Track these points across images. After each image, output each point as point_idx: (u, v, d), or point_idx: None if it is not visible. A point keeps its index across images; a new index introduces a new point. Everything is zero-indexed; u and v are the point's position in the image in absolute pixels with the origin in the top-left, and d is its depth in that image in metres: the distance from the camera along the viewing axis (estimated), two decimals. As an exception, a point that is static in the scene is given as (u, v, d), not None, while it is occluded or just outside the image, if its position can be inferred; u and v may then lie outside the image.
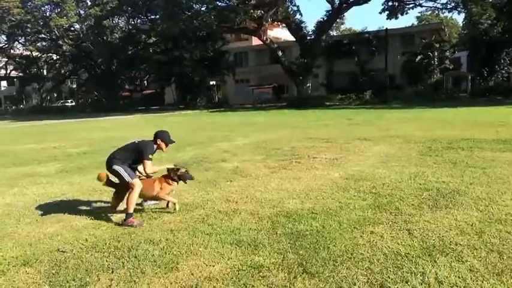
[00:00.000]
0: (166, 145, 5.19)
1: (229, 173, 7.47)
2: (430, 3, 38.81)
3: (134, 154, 4.99)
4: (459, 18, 71.51)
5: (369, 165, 7.59)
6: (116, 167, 4.93)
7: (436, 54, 39.60)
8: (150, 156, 4.94)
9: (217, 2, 34.95)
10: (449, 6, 36.77)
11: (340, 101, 35.83)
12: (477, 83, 40.19)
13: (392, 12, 34.59)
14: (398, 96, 34.67)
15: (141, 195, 5.04)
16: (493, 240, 3.77)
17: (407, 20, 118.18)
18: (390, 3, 34.68)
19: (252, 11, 32.36)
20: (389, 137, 11.59)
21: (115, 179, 5.12)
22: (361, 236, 4.04)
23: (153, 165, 5.09)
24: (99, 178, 5.19)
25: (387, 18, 35.63)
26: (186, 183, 5.31)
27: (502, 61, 40.26)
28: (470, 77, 41.38)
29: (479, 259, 3.39)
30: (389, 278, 3.14)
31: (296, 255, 3.66)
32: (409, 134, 11.87)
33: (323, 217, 4.64)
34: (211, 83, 47.12)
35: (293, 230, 4.29)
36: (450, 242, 3.78)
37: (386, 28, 36.87)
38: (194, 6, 34.74)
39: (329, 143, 10.97)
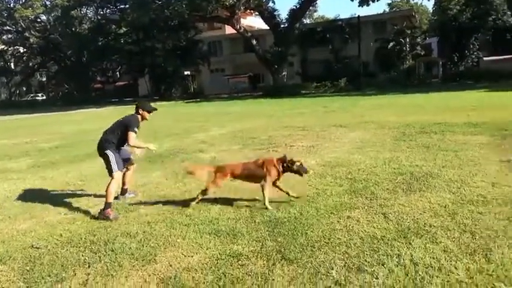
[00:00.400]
0: (149, 112, 5.25)
1: (206, 163, 7.41)
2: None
3: (121, 129, 5.03)
4: (429, 4, 72.68)
5: (344, 152, 7.68)
6: (109, 153, 4.95)
7: (407, 40, 40.18)
8: (136, 129, 4.99)
9: (189, -9, 34.37)
10: (419, -7, 37.32)
11: (315, 89, 36.01)
12: (448, 68, 41.09)
13: (364, -1, 34.81)
14: (372, 83, 35.09)
15: (248, 176, 4.85)
16: (466, 221, 3.88)
17: (379, 7, 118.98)
18: (361, -10, 34.88)
19: (223, -1, 32.03)
20: (364, 123, 11.74)
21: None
22: (338, 221, 4.09)
23: (138, 140, 5.12)
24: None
25: (359, 5, 35.79)
26: (302, 176, 4.94)
27: (472, 46, 41.22)
28: (441, 63, 42.26)
29: (453, 240, 3.49)
30: (366, 261, 3.20)
31: (274, 242, 3.68)
32: (383, 120, 12.06)
33: (301, 204, 4.67)
34: (185, 73, 46.48)
35: (271, 217, 4.31)
36: (424, 224, 3.87)
37: (359, 15, 37.11)
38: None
39: (305, 131, 11.03)
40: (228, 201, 4.96)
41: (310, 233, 3.83)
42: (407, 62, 40.34)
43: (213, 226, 4.19)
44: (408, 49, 40.31)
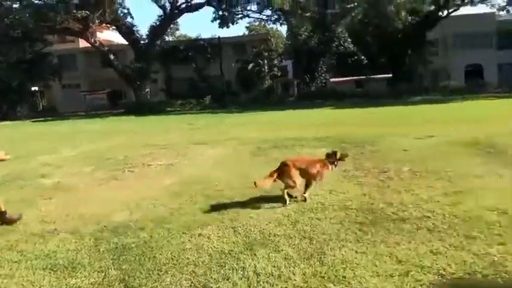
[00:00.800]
0: None
1: (49, 189, 6.67)
2: (257, 15, 41.98)
3: None
4: (283, 29, 79.50)
5: (204, 169, 7.72)
6: None
7: (265, 62, 43.07)
8: None
9: (34, -1, 31.31)
10: (273, 18, 40.46)
11: (181, 107, 35.97)
12: (302, 88, 45.18)
13: (224, 21, 36.34)
14: (235, 101, 36.57)
15: (302, 173, 5.00)
16: (305, 227, 4.19)
17: (240, 29, 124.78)
18: (220, 13, 36.41)
19: (74, 10, 29.87)
20: (226, 140, 12.03)
21: None
22: (189, 240, 4.03)
23: None
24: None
25: (219, 27, 37.32)
26: (344, 160, 5.51)
27: (320, 69, 46.15)
28: (296, 83, 46.28)
29: (293, 247, 3.71)
30: (212, 278, 3.19)
31: (119, 270, 3.44)
32: (244, 137, 12.53)
33: (152, 226, 4.49)
34: (32, 88, 41.71)
35: (118, 244, 4.03)
36: (269, 234, 4.05)
37: (219, 36, 38.60)
38: (4, 2, 30.29)
39: (166, 149, 10.81)
40: (70, 231, 4.49)
41: (159, 256, 3.68)
42: (266, 82, 43.17)
43: (50, 260, 3.73)
44: (267, 70, 43.20)
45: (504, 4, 42.05)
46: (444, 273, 3.05)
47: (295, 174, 4.94)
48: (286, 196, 4.94)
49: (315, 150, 9.22)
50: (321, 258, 3.43)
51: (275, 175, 4.99)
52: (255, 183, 4.88)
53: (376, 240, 3.76)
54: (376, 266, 3.23)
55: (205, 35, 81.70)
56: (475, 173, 6.10)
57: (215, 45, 39.22)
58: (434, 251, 3.45)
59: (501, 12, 44.34)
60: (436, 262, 3.23)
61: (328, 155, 5.35)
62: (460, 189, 5.29)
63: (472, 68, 44.14)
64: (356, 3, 39.33)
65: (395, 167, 6.87)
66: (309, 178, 5.11)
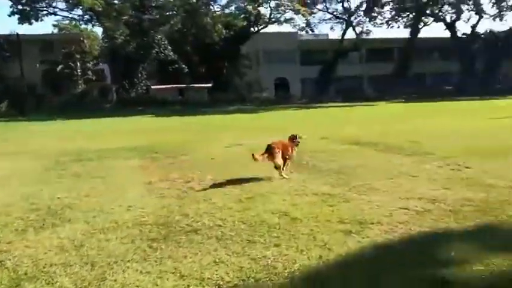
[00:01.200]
0: None
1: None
2: (66, 13, 38.24)
3: None
4: (100, 31, 73.27)
5: (-21, 190, 6.46)
6: None
7: (78, 64, 39.69)
8: None
9: None
10: (85, 18, 37.61)
11: (-34, 114, 30.07)
12: (121, 94, 43.13)
13: (24, 16, 31.95)
14: (41, 107, 32.62)
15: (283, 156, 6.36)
16: (91, 252, 3.78)
17: (46, 26, 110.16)
18: (20, 7, 31.86)
19: None
20: (19, 153, 10.62)
21: None
22: None
23: None
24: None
25: (19, 23, 32.68)
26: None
27: (140, 75, 44.90)
28: (114, 89, 43.91)
29: (71, 276, 3.30)
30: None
31: None
32: (43, 149, 11.22)
33: None
34: None
35: None
36: (45, 264, 3.53)
37: (17, 33, 33.88)
38: None
39: None
40: None
41: None
42: (79, 86, 39.78)
43: None
44: (79, 73, 39.85)
45: (304, 25, 48.93)
46: (222, 283, 3.11)
47: (280, 154, 6.31)
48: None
49: (125, 161, 8.82)
50: (99, 285, 3.13)
51: (265, 155, 6.23)
52: (253, 155, 6.16)
53: (163, 256, 3.64)
54: (158, 285, 3.11)
55: (4, 30, 70.77)
56: (268, 178, 6.66)
57: (14, 42, 34.16)
58: (217, 260, 3.51)
59: (302, 32, 51.45)
60: (217, 272, 3.29)
61: (291, 137, 6.81)
62: (252, 194, 5.65)
63: (279, 81, 49.79)
64: (174, 12, 39.87)
65: (200, 176, 7.00)
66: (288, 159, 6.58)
